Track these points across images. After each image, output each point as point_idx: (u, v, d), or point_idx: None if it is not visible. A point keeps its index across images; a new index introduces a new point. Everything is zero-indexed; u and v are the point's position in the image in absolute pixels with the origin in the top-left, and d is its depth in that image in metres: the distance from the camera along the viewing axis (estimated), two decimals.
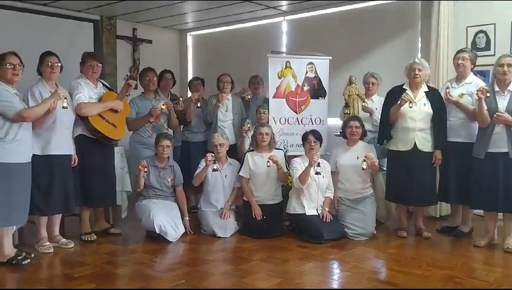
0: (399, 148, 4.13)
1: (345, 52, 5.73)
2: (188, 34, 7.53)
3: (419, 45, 5.37)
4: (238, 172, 4.41)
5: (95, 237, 4.09)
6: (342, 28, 5.88)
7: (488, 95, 3.67)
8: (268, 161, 4.19)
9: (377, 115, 4.80)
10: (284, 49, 6.30)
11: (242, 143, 4.85)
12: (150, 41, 7.19)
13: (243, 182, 4.39)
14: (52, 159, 3.68)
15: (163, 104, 4.54)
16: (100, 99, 4.04)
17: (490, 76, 4.76)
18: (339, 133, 4.92)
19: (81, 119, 3.90)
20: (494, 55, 4.80)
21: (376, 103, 4.93)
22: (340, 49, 5.65)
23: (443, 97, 4.06)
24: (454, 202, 4.26)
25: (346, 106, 4.91)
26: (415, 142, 4.06)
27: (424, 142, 4.07)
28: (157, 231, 3.94)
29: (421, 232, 4.21)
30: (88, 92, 3.96)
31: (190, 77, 7.38)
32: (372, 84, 4.94)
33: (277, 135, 4.90)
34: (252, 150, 4.45)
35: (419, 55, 5.33)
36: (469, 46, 4.96)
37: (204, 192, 4.43)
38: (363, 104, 4.88)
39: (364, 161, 3.99)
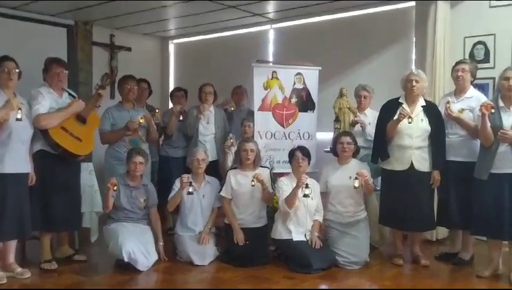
0: (394, 168, 3.78)
1: (335, 62, 5.40)
2: (170, 41, 7.17)
3: (414, 56, 5.06)
4: (219, 191, 4.01)
5: (56, 265, 3.64)
6: (332, 37, 5.55)
7: (493, 111, 3.34)
8: (253, 180, 3.80)
9: (370, 129, 4.50)
10: (270, 59, 5.96)
11: (224, 159, 4.46)
12: (129, 49, 6.80)
13: (224, 203, 4.00)
14: (6, 179, 3.26)
15: (141, 117, 4.14)
16: None
17: (490, 89, 4.52)
18: (329, 149, 4.59)
19: (41, 132, 3.48)
20: (493, 67, 4.53)
21: (369, 116, 4.61)
22: (330, 59, 5.32)
23: (443, 113, 3.73)
24: (455, 228, 3.92)
25: (337, 120, 4.56)
26: (412, 162, 3.71)
27: (422, 161, 3.72)
28: (125, 260, 3.51)
29: (418, 259, 3.85)
30: (50, 103, 3.54)
31: (172, 87, 7.05)
32: (364, 97, 4.62)
33: (262, 151, 4.52)
34: (235, 168, 4.06)
35: (413, 66, 5.02)
36: (467, 56, 4.67)
37: (181, 215, 4.01)
38: (354, 118, 4.55)
39: (357, 178, 3.62)
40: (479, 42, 4.64)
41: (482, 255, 3.80)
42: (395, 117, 3.74)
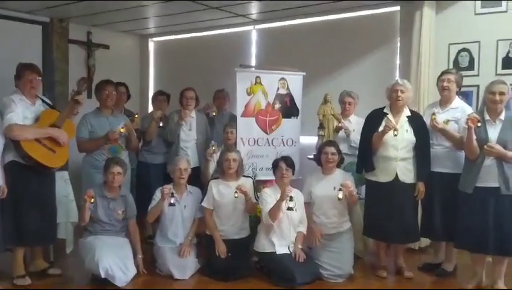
0: (379, 179, 3.72)
1: (319, 66, 5.34)
2: (149, 39, 6.97)
3: (398, 62, 5.01)
4: (201, 202, 3.90)
5: (29, 281, 3.48)
6: (316, 40, 5.47)
7: (479, 124, 3.31)
8: (236, 191, 3.70)
9: (355, 136, 4.45)
10: (253, 61, 5.85)
11: (206, 167, 4.34)
12: (107, 47, 6.58)
13: (206, 214, 3.89)
14: None
15: (122, 127, 3.98)
16: (37, 119, 3.45)
17: (474, 97, 4.51)
18: (312, 157, 4.52)
19: (13, 143, 3.30)
20: (478, 75, 4.52)
21: (354, 123, 4.57)
22: (314, 63, 5.27)
23: (428, 124, 3.68)
24: (439, 240, 3.90)
25: (321, 127, 4.48)
26: (397, 173, 3.66)
27: (406, 172, 3.68)
28: (102, 276, 3.38)
29: (402, 271, 3.82)
30: (23, 111, 3.37)
31: (152, 87, 6.91)
32: (349, 103, 4.57)
33: (245, 158, 4.42)
34: (217, 178, 3.95)
35: (397, 73, 4.99)
36: (451, 65, 4.66)
37: (161, 226, 3.88)
38: (338, 124, 4.48)
39: (341, 190, 3.56)
40: (464, 49, 4.61)
41: (465, 265, 3.79)
42: (380, 128, 3.68)
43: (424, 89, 4.54)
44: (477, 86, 4.47)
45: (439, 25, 4.65)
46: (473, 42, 4.55)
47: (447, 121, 3.71)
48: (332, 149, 3.84)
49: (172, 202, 3.63)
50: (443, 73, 3.85)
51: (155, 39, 6.95)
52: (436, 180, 3.71)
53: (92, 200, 3.52)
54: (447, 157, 3.71)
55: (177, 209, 3.81)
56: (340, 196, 3.55)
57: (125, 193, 3.83)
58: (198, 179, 4.35)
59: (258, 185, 4.35)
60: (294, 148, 4.65)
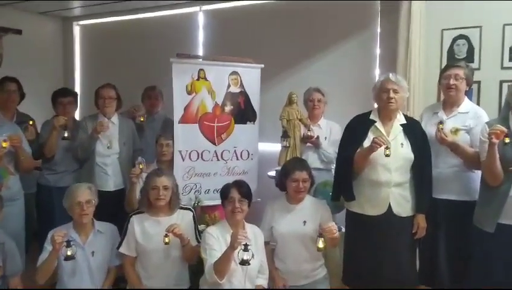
0: (365, 212, 2.72)
1: (281, 58, 4.32)
2: (74, 23, 5.72)
3: (378, 52, 4.04)
4: (118, 246, 2.77)
5: None
6: (278, 26, 4.41)
7: (507, 141, 2.36)
8: (166, 235, 2.60)
9: (326, 145, 3.54)
10: (200, 50, 4.73)
11: (131, 192, 3.19)
12: (19, 32, 5.24)
13: (125, 263, 2.78)
14: None
15: (4, 140, 2.77)
16: None
17: (473, 96, 3.58)
18: (273, 175, 3.51)
19: None
20: (479, 68, 3.60)
21: (324, 129, 3.64)
22: (275, 54, 4.25)
23: (436, 135, 2.71)
24: (443, 288, 2.94)
25: (285, 136, 3.44)
26: (389, 204, 2.67)
27: (402, 202, 2.69)
28: None
29: None
30: None
31: (78, 82, 5.66)
32: (319, 100, 3.62)
33: (185, 177, 3.36)
34: (141, 212, 2.83)
35: (377, 65, 4.02)
36: (444, 56, 3.74)
37: (59, 282, 2.72)
38: (308, 132, 3.48)
39: (321, 236, 2.52)
40: (461, 36, 3.67)
41: None
42: (366, 143, 2.68)
43: (415, 87, 3.57)
44: (478, 82, 3.55)
45: (430, 6, 3.68)
46: (473, 27, 3.61)
47: (455, 131, 2.77)
48: (304, 175, 2.80)
49: (69, 254, 2.48)
50: (448, 67, 2.91)
51: (81, 22, 5.72)
52: (440, 211, 2.78)
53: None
54: (455, 180, 2.78)
55: (81, 259, 2.66)
56: (321, 245, 2.50)
57: (4, 239, 2.63)
58: (121, 205, 3.23)
59: (203, 214, 3.29)
60: (252, 162, 3.60)
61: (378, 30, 4.04)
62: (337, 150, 3.52)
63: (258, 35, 4.44)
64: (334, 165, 3.58)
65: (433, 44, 3.74)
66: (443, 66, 3.66)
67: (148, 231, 2.75)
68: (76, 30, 5.73)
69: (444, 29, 3.72)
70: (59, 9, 5.36)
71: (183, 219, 2.79)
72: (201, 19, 4.82)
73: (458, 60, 3.55)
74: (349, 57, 4.16)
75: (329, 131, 3.64)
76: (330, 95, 3.71)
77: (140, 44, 5.10)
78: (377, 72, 4.02)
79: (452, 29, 3.70)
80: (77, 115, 4.21)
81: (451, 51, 3.71)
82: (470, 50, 3.64)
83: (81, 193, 2.69)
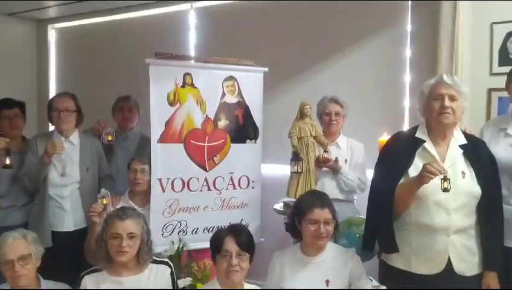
0: (413, 269, 1.93)
1: (290, 60, 3.56)
2: (49, 26, 5.01)
3: (409, 54, 3.28)
4: None
5: None
6: (287, 23, 3.65)
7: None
8: None
9: (346, 169, 2.81)
10: (191, 54, 3.96)
11: (93, 233, 2.38)
12: None
13: None
14: None
15: None
16: None
17: None
18: (281, 207, 2.76)
19: None
20: None
21: (344, 149, 2.90)
22: (282, 56, 3.50)
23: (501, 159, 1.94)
24: None
25: (296, 158, 2.65)
26: (449, 259, 1.88)
27: (466, 256, 1.91)
28: None
29: None
30: None
31: (53, 90, 4.95)
32: (336, 114, 2.88)
33: (166, 214, 2.60)
34: (97, 270, 2.03)
35: (407, 71, 3.26)
36: (495, 55, 2.99)
37: None
38: (324, 154, 2.72)
39: None
40: None
41: None
42: (412, 171, 1.91)
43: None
44: None
45: None
46: None
47: None
48: (325, 214, 2.01)
49: None
50: None
51: (57, 25, 5.01)
52: None
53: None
54: None
55: None
56: None
57: None
58: (81, 251, 2.44)
59: (189, 263, 2.48)
60: (253, 192, 2.85)
61: (409, 28, 3.28)
62: (360, 176, 2.84)
63: (261, 36, 3.70)
64: (356, 195, 2.91)
65: (480, 41, 2.99)
66: (493, 68, 2.96)
67: None
68: (52, 34, 5.02)
69: (494, 23, 2.97)
70: (32, 9, 4.67)
71: (156, 278, 2.01)
72: (192, 18, 4.08)
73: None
74: (372, 60, 3.39)
75: (350, 152, 2.91)
76: (350, 107, 2.94)
77: (124, 48, 4.37)
78: (408, 77, 3.26)
79: (504, 22, 2.94)
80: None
81: (504, 50, 2.95)
82: None
83: (9, 247, 1.92)
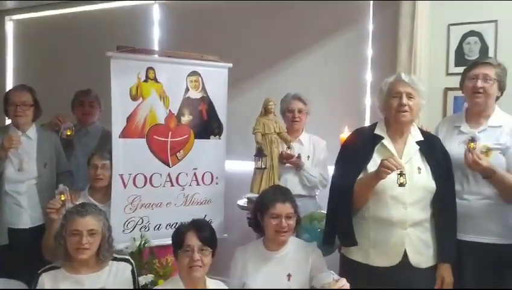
0: (371, 262, 1.98)
1: (254, 56, 3.57)
2: (6, 17, 4.81)
3: (370, 52, 3.35)
4: None
5: None
6: (252, 20, 3.67)
7: None
8: None
9: (309, 165, 2.85)
10: (156, 48, 3.91)
11: (51, 230, 2.32)
12: None
13: None
14: None
15: None
16: None
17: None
18: (245, 203, 2.77)
19: None
20: None
21: (306, 145, 2.95)
22: (247, 52, 3.51)
23: (465, 157, 1.99)
24: None
25: (260, 154, 2.67)
26: (406, 251, 1.94)
27: (422, 248, 1.98)
28: None
29: None
30: None
31: (10, 83, 4.76)
32: (299, 111, 2.92)
33: (127, 210, 2.57)
34: (55, 267, 1.98)
35: (368, 68, 3.34)
36: (451, 56, 3.08)
37: None
38: (287, 150, 2.76)
39: None
40: (472, 33, 3.02)
41: None
42: (371, 166, 1.96)
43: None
44: None
45: None
46: (487, 22, 2.97)
47: (486, 151, 2.06)
48: (287, 208, 2.04)
49: None
50: (475, 64, 2.22)
51: (15, 17, 4.82)
52: (469, 257, 2.05)
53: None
54: (490, 216, 2.07)
55: None
56: None
57: None
58: (35, 252, 2.36)
59: (151, 259, 2.46)
60: (216, 188, 2.85)
61: (370, 28, 3.35)
62: (322, 172, 2.89)
63: (226, 32, 3.68)
64: (318, 190, 2.96)
65: (437, 42, 3.08)
66: (449, 69, 3.07)
67: None
68: (9, 26, 4.83)
69: (451, 25, 3.07)
70: None
71: (116, 275, 1.98)
72: (156, 13, 4.02)
73: (469, 61, 2.90)
74: (335, 58, 3.45)
75: (312, 149, 2.96)
76: (313, 104, 2.99)
77: (85, 41, 4.25)
78: (369, 76, 3.33)
79: (460, 24, 3.04)
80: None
81: (460, 50, 3.06)
82: (483, 49, 2.99)
83: None
